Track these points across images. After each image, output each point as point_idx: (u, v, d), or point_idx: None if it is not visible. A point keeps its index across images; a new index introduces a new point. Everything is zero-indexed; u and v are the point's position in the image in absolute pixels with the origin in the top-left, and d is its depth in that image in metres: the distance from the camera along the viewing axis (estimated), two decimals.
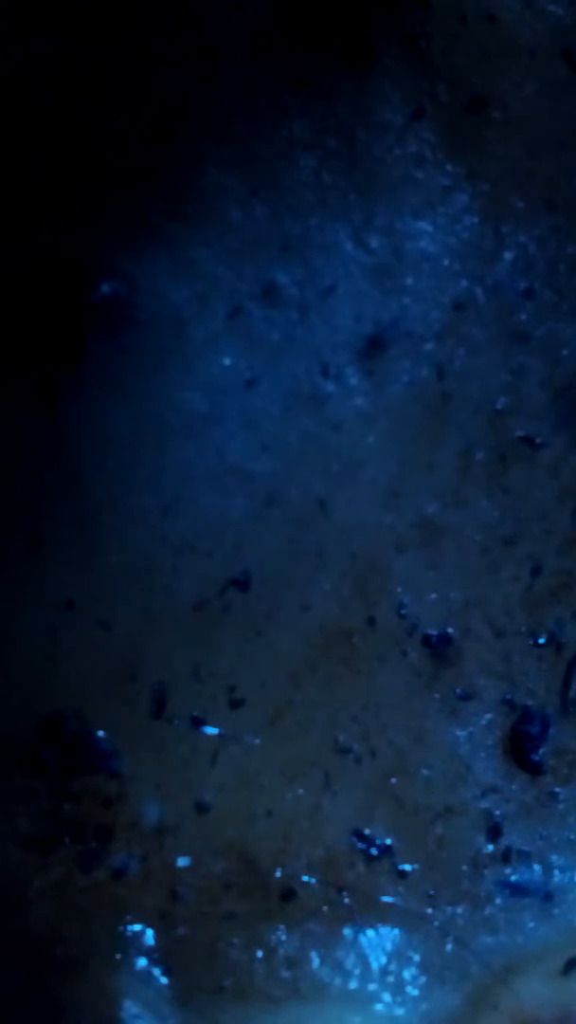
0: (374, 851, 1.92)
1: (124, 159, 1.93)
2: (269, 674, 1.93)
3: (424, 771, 1.93)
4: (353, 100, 1.93)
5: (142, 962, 1.90)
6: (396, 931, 1.92)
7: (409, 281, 1.94)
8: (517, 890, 1.93)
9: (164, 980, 1.90)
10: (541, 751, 1.93)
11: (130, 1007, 1.90)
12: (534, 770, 1.93)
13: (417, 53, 1.92)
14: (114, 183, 1.93)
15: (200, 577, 1.93)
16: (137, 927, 1.91)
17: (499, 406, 1.95)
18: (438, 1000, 1.91)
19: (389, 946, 1.92)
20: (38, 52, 1.93)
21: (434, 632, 1.94)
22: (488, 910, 1.92)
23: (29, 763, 1.91)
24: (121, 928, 1.91)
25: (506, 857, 1.92)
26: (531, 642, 1.94)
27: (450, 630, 1.94)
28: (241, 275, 1.94)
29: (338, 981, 1.90)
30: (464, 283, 1.94)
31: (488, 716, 1.93)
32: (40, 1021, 1.90)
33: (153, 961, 1.91)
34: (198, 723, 1.92)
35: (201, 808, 1.92)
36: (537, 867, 1.93)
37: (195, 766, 1.92)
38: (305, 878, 1.91)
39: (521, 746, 1.93)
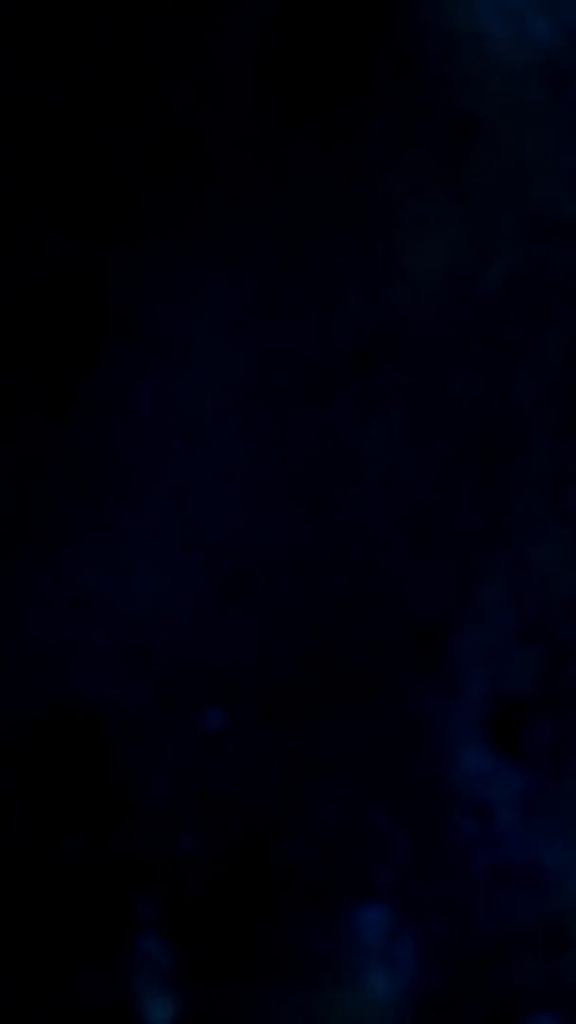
0: (370, 836, 1.96)
1: (128, 171, 1.97)
2: (271, 669, 1.97)
3: (419, 761, 1.96)
4: (347, 120, 1.97)
5: (148, 942, 1.94)
6: (391, 914, 1.95)
7: (403, 292, 1.98)
8: (507, 872, 1.96)
9: (170, 960, 1.94)
10: (529, 739, 1.97)
11: (137, 987, 1.94)
12: (522, 758, 1.97)
13: (410, 73, 1.95)
14: (119, 194, 1.97)
15: (204, 574, 1.97)
16: (143, 909, 1.94)
17: (492, 411, 1.99)
18: (431, 981, 1.95)
19: (384, 928, 1.95)
20: (45, 66, 1.97)
21: (427, 627, 1.97)
22: (479, 892, 1.95)
23: (39, 752, 1.95)
24: (128, 910, 1.94)
25: (496, 841, 1.96)
26: (522, 637, 1.98)
27: (443, 627, 1.97)
28: (241, 285, 1.98)
29: (335, 961, 1.94)
30: (456, 295, 1.98)
31: (479, 708, 1.97)
32: (47, 1004, 1.93)
33: (159, 941, 1.94)
34: (203, 715, 1.96)
35: (205, 795, 1.96)
36: (526, 850, 1.96)
37: (199, 755, 1.96)
38: (304, 862, 1.95)
39: (510, 735, 1.97)
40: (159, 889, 1.95)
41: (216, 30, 1.98)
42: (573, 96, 1.98)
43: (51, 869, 1.95)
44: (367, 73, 1.96)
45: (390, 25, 1.96)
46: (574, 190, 1.98)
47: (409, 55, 1.95)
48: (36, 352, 1.99)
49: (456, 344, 1.98)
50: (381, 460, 1.98)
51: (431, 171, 1.96)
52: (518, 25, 1.96)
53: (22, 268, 1.99)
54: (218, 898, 1.95)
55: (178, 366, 1.99)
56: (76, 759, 1.96)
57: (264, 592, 1.97)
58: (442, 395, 1.98)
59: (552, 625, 1.98)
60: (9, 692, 1.96)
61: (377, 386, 1.98)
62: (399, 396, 1.98)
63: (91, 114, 1.99)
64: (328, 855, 1.95)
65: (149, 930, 1.95)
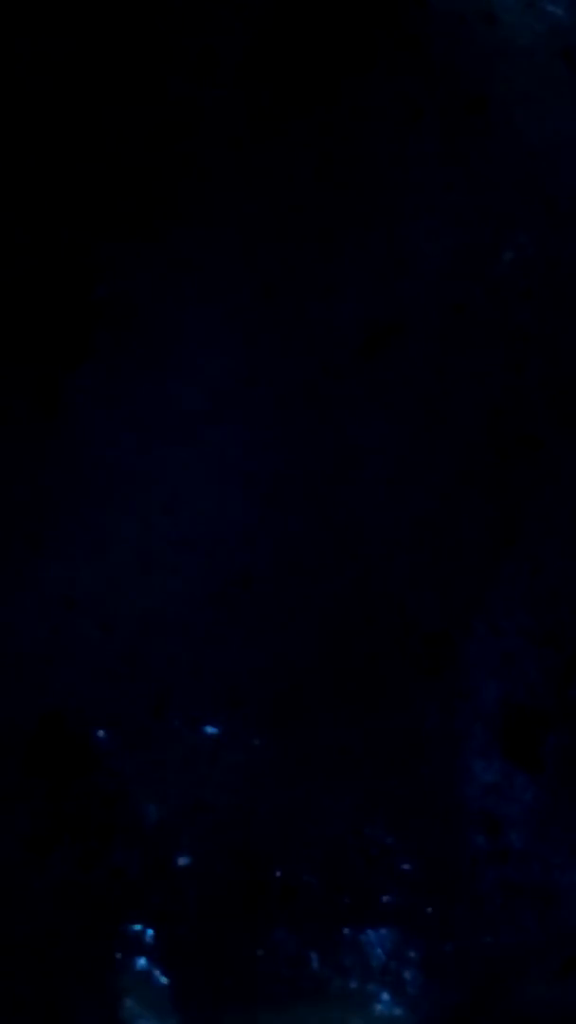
0: (374, 851, 1.92)
1: (125, 159, 1.95)
2: (269, 673, 1.94)
3: (424, 770, 1.93)
4: (353, 101, 1.94)
5: (142, 962, 1.91)
6: (396, 931, 1.92)
7: (409, 281, 1.95)
8: (517, 890, 1.93)
9: (164, 980, 1.91)
10: (541, 750, 1.94)
11: (130, 1007, 1.90)
12: (534, 769, 1.94)
13: (417, 54, 1.94)
14: (115, 183, 1.94)
15: (201, 576, 1.94)
16: (137, 927, 1.91)
17: (499, 406, 1.96)
18: (437, 1000, 1.92)
19: (389, 946, 1.92)
20: (41, 53, 1.94)
21: (434, 632, 1.94)
22: (488, 910, 1.93)
23: (29, 762, 1.92)
24: (121, 928, 1.91)
25: (506, 857, 1.93)
26: (531, 641, 1.95)
27: (450, 630, 1.95)
28: (240, 275, 1.95)
29: (338, 980, 1.91)
30: (464, 283, 1.96)
31: (488, 715, 1.94)
32: (40, 1021, 1.90)
33: (153, 961, 1.91)
34: (198, 722, 1.93)
35: (201, 808, 1.92)
36: (537, 867, 1.94)
37: (195, 766, 1.93)
38: (305, 878, 1.92)
39: (521, 745, 1.94)
40: (153, 907, 1.92)
41: (216, 7, 1.95)
42: None
43: (39, 886, 1.92)
44: (372, 52, 1.94)
45: (396, 3, 1.94)
46: None
47: (416, 33, 1.94)
48: (24, 345, 1.96)
49: (465, 335, 1.95)
50: (387, 457, 1.95)
51: (438, 153, 1.94)
52: (531, 1, 1.94)
53: (11, 259, 1.96)
54: (215, 917, 1.92)
55: (173, 359, 1.96)
56: (65, 770, 1.93)
57: (263, 595, 1.94)
58: (450, 389, 1.96)
59: (567, 629, 1.95)
60: None
61: (382, 379, 1.95)
62: (405, 390, 1.95)
63: (84, 103, 1.96)
64: (330, 872, 1.92)
65: (142, 950, 1.91)
